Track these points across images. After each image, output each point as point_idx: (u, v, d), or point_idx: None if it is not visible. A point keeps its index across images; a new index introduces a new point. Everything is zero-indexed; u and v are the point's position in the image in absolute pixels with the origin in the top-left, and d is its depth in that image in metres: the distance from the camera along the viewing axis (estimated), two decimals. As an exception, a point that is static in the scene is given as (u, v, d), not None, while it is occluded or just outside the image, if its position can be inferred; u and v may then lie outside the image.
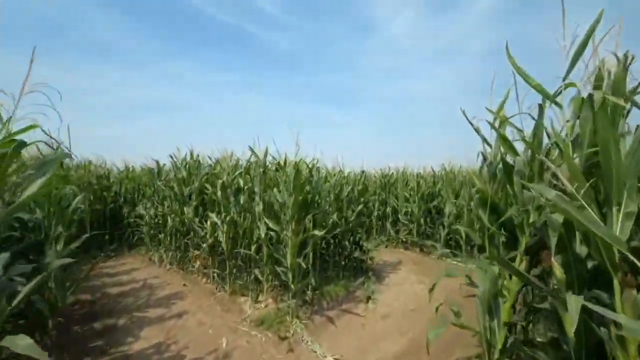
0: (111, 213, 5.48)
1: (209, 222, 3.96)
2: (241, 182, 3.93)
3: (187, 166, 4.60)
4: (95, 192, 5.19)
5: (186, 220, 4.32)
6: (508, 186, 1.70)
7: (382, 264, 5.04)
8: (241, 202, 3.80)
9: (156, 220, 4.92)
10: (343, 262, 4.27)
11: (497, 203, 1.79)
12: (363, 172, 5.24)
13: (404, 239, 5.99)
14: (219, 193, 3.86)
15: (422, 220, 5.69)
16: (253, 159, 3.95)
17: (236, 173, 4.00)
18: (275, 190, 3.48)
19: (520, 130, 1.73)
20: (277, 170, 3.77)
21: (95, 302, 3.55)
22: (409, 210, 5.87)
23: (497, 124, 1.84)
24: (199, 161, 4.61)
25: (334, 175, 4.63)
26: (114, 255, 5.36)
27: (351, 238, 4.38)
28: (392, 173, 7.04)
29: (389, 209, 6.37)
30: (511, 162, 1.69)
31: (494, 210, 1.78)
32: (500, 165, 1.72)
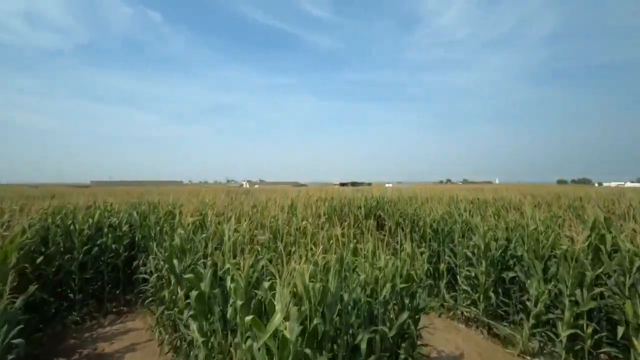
0: (125, 261, 5.11)
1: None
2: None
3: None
4: (106, 245, 4.85)
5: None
6: None
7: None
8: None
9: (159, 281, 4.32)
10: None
11: None
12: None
13: (465, 311, 4.43)
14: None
15: (491, 292, 4.07)
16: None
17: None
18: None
19: None
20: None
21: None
22: (472, 274, 4.29)
23: None
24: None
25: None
26: (126, 311, 4.97)
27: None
28: (445, 208, 5.42)
29: (442, 265, 4.84)
30: None
31: None
32: None
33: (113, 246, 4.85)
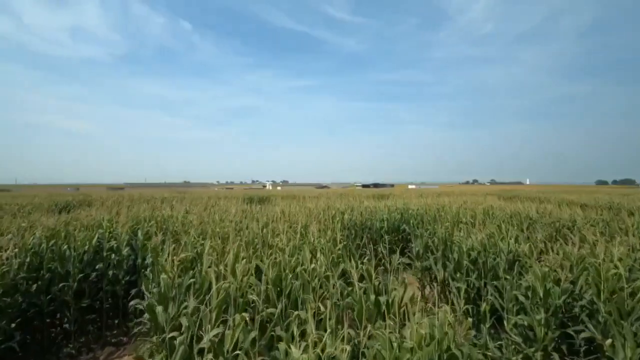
0: (127, 288, 4.73)
1: None
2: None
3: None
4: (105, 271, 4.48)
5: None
6: None
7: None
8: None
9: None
10: None
11: None
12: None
13: (515, 366, 3.58)
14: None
15: (552, 351, 3.21)
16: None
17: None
18: None
19: None
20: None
21: None
22: (524, 323, 3.44)
23: None
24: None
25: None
26: (126, 342, 4.58)
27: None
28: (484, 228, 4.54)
29: (484, 305, 4.00)
30: None
31: None
32: None
33: (111, 272, 4.47)
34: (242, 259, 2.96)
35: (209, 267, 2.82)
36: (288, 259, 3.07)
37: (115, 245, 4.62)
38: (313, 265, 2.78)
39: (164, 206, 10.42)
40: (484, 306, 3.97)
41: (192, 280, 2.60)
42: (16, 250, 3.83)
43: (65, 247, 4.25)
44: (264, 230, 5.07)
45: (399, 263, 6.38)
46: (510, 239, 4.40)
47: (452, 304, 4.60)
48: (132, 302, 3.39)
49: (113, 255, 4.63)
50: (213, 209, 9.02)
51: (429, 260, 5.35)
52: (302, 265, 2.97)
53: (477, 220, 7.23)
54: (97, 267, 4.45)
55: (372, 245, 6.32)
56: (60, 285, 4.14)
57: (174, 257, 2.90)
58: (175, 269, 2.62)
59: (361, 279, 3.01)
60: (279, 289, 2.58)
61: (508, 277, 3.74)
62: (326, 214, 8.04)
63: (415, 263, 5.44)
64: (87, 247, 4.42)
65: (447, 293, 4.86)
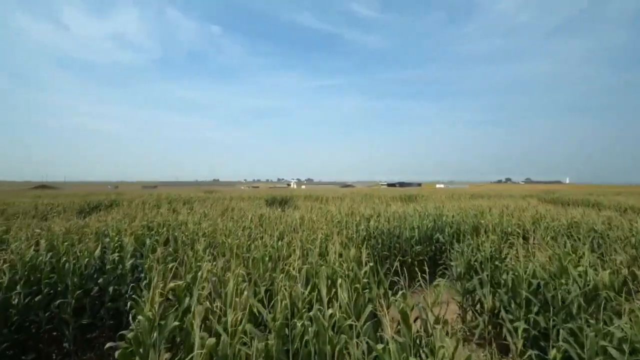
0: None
1: None
2: None
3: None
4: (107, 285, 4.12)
5: None
6: None
7: None
8: None
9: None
10: None
11: None
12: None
13: None
14: None
15: None
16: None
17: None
18: None
19: None
20: None
21: None
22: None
23: None
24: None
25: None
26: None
27: None
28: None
29: (553, 352, 3.13)
30: None
31: None
32: None
33: (111, 288, 4.09)
34: (242, 291, 2.36)
35: (201, 302, 2.26)
36: (301, 293, 2.44)
37: (117, 257, 4.24)
38: (330, 311, 2.11)
39: (185, 208, 10.24)
40: (553, 353, 3.10)
41: (175, 323, 2.05)
42: (7, 265, 3.53)
43: (64, 259, 3.92)
44: (279, 242, 4.49)
45: (434, 275, 5.54)
46: (584, 264, 3.47)
47: (505, 337, 3.76)
48: (124, 332, 2.92)
49: (120, 267, 4.29)
50: (231, 213, 8.63)
51: (472, 281, 4.50)
52: (317, 303, 2.32)
53: (526, 230, 6.19)
54: (98, 281, 4.10)
55: (400, 260, 5.52)
56: (59, 301, 3.82)
57: (161, 287, 2.36)
58: (157, 307, 2.08)
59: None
60: (285, 346, 1.95)
61: (590, 319, 2.85)
62: (350, 219, 7.35)
63: (456, 286, 4.61)
64: (87, 259, 4.07)
65: (498, 327, 3.99)
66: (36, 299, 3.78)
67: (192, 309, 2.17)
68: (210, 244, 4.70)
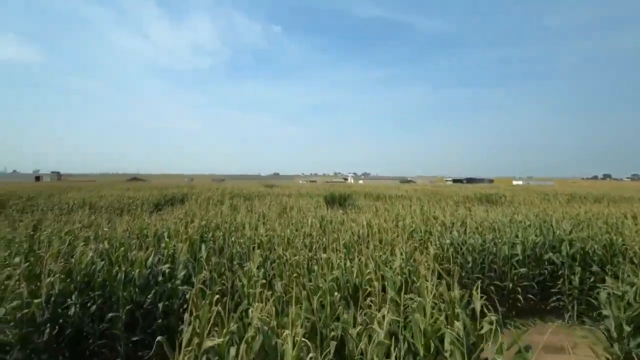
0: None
1: None
2: None
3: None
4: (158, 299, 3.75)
5: None
6: None
7: None
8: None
9: None
10: None
11: None
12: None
13: None
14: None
15: None
16: None
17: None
18: None
19: None
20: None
21: None
22: None
23: None
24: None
25: None
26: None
27: None
28: None
29: None
30: None
31: None
32: None
33: (161, 304, 3.68)
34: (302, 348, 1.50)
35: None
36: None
37: (167, 270, 3.83)
38: None
39: (245, 206, 10.06)
40: None
41: None
42: (58, 274, 3.29)
43: (116, 269, 3.62)
44: (347, 262, 3.57)
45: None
46: None
47: None
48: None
49: (172, 280, 3.89)
50: (290, 213, 8.06)
51: (636, 339, 2.98)
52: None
53: None
54: (149, 294, 3.73)
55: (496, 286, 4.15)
56: (111, 314, 3.52)
57: (195, 346, 1.63)
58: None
59: None
60: None
61: None
62: (428, 228, 6.10)
63: (614, 347, 3.12)
64: (139, 270, 3.72)
65: None
66: (91, 309, 3.55)
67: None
68: (266, 257, 4.02)
